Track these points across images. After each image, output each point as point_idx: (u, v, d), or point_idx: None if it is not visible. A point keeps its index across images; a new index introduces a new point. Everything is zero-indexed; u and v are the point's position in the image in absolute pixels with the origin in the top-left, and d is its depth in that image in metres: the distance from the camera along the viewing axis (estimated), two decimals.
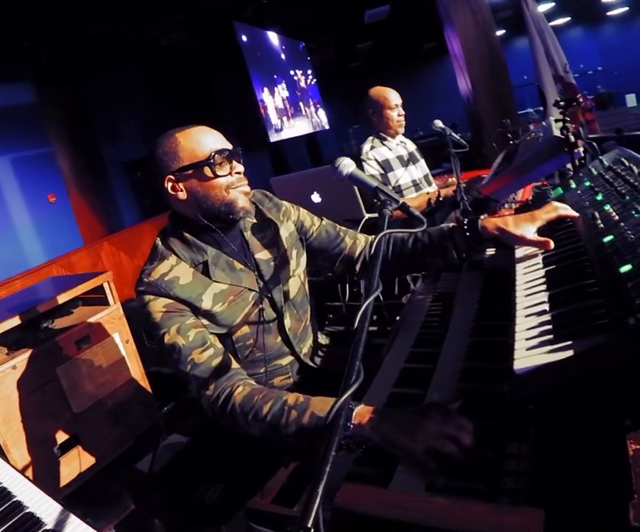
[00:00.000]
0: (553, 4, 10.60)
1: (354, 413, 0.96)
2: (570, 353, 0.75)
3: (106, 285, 2.41)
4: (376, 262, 0.96)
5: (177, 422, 2.74)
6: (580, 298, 0.90)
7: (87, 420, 2.24)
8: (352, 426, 0.94)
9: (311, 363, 1.51)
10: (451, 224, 1.46)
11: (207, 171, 1.24)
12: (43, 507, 1.03)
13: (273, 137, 8.81)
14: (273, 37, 9.86)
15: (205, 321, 1.28)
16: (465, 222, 1.41)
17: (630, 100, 11.63)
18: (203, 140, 1.26)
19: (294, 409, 1.07)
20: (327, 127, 12.20)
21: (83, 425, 2.22)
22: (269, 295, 1.38)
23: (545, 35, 4.43)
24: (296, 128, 10.18)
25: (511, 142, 3.34)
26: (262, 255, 1.39)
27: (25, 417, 2.01)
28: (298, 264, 1.48)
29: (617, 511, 0.58)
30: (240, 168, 1.29)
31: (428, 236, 1.47)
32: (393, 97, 2.98)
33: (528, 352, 0.81)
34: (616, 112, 11.37)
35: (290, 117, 9.93)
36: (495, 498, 0.71)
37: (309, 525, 0.53)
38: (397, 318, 2.77)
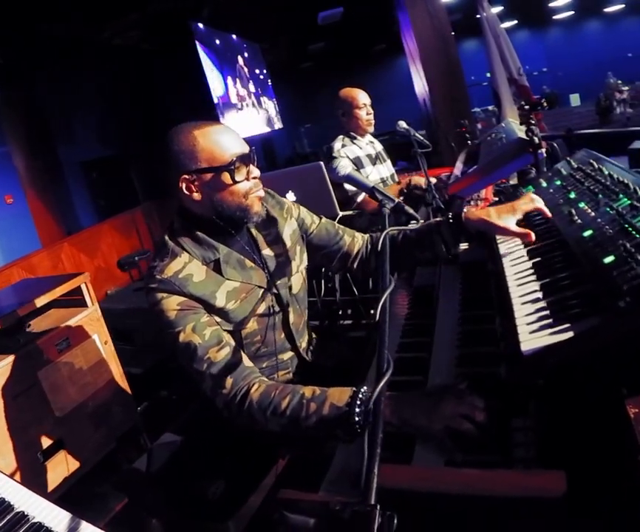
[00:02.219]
0: (502, 7, 11.03)
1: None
2: (570, 334, 0.85)
3: (83, 286, 2.37)
4: (384, 258, 1.03)
5: (155, 421, 2.74)
6: (571, 286, 1.01)
7: (70, 424, 2.21)
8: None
9: (307, 358, 1.55)
10: (437, 219, 1.53)
11: (226, 176, 1.22)
12: (50, 516, 0.99)
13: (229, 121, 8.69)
14: (232, 39, 9.81)
15: (217, 319, 1.28)
16: (450, 216, 1.47)
17: (574, 99, 12.34)
18: (223, 143, 1.23)
19: (312, 402, 1.10)
20: (281, 126, 12.24)
21: (66, 428, 2.19)
22: (276, 292, 1.40)
23: (500, 39, 4.62)
24: (253, 117, 10.15)
25: (469, 142, 3.50)
26: (268, 251, 1.41)
27: (9, 423, 1.96)
28: (302, 260, 1.52)
29: (623, 468, 0.68)
30: (257, 172, 1.28)
31: (416, 233, 1.52)
32: (362, 96, 3.07)
33: (531, 335, 0.91)
34: (561, 111, 12.04)
35: (251, 106, 9.92)
36: (511, 467, 0.80)
37: (372, 502, 0.57)
38: (372, 311, 2.87)
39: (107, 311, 3.24)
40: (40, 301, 2.18)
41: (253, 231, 1.41)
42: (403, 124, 2.97)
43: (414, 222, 1.34)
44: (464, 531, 0.71)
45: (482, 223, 1.39)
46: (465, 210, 1.45)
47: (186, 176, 1.23)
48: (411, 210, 1.30)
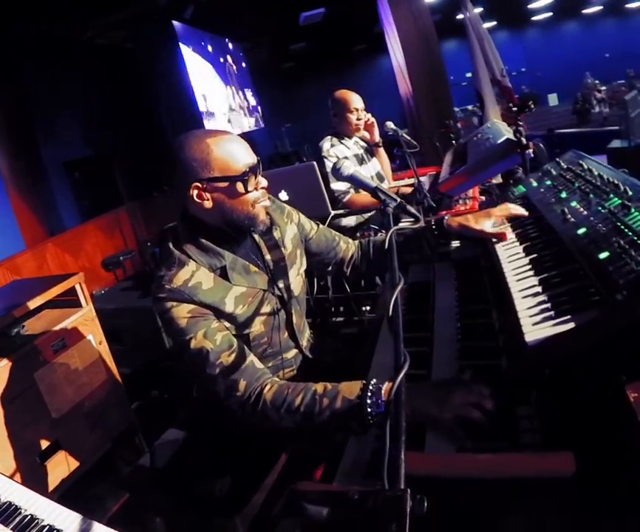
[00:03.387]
0: (481, 8, 11.19)
1: (382, 391, 1.05)
2: (571, 325, 0.91)
3: (77, 287, 2.37)
4: (392, 256, 1.06)
5: (148, 420, 2.74)
6: (568, 281, 1.06)
7: (67, 425, 2.20)
8: (383, 403, 1.03)
9: (309, 355, 1.60)
10: (422, 225, 1.62)
11: (239, 185, 1.25)
12: (60, 518, 1.00)
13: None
14: (215, 38, 9.79)
15: (226, 324, 1.30)
16: (433, 222, 1.62)
17: (552, 99, 12.64)
18: (236, 153, 1.25)
19: (325, 397, 1.13)
20: (263, 125, 12.25)
21: (63, 430, 2.18)
22: (279, 294, 1.44)
23: (484, 40, 4.68)
24: (237, 117, 10.20)
25: (454, 141, 3.57)
26: (271, 256, 1.45)
27: (7, 426, 1.96)
28: (302, 263, 1.56)
29: (625, 449, 0.73)
30: (265, 182, 1.32)
31: (403, 236, 1.66)
32: (355, 100, 3.10)
33: (534, 327, 0.96)
34: (539, 111, 12.28)
35: (235, 105, 9.99)
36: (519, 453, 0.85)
37: (402, 486, 0.60)
38: (364, 308, 2.92)
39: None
40: (35, 302, 2.16)
41: (256, 236, 1.44)
42: (390, 125, 3.02)
43: (411, 220, 1.40)
44: (482, 513, 0.76)
45: (461, 228, 1.58)
46: (446, 217, 1.61)
47: (198, 184, 1.24)
48: (413, 210, 1.34)
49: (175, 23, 7.83)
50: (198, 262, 1.29)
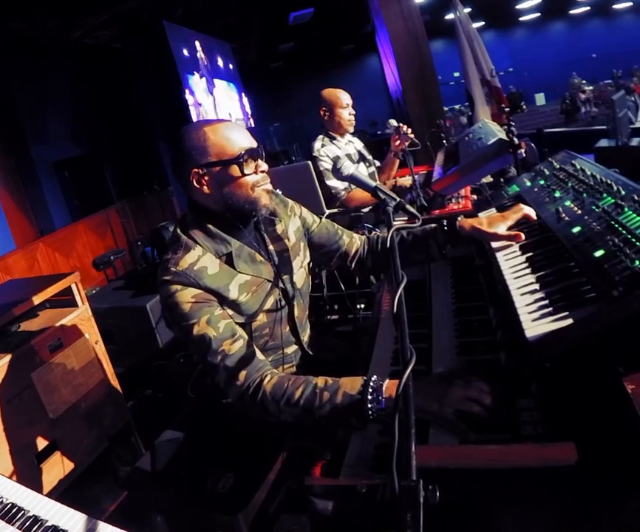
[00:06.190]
0: (469, 9, 11.26)
1: (383, 388, 1.06)
2: (570, 321, 0.94)
3: (74, 286, 2.36)
4: (395, 255, 1.08)
5: (143, 420, 2.75)
6: (565, 278, 1.09)
7: (64, 425, 2.20)
8: (383, 400, 1.04)
9: (309, 352, 1.60)
10: (433, 225, 1.61)
11: (235, 169, 1.27)
12: (65, 518, 0.99)
13: None
14: (204, 37, 9.75)
15: (230, 312, 1.31)
16: (445, 223, 1.57)
17: (539, 98, 12.76)
18: (232, 138, 1.28)
19: (326, 391, 1.13)
20: (253, 125, 12.24)
21: (60, 430, 2.18)
22: (283, 286, 1.45)
23: (473, 41, 4.73)
24: (227, 116, 10.21)
25: (445, 141, 3.60)
26: (275, 247, 1.46)
27: (4, 426, 1.95)
28: (305, 256, 1.57)
29: (624, 439, 0.76)
30: (265, 166, 1.33)
31: (413, 236, 1.62)
32: (344, 97, 3.14)
33: (534, 323, 0.99)
34: (527, 110, 12.44)
35: (224, 105, 10.01)
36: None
37: (414, 478, 0.61)
38: (358, 306, 2.94)
39: None
40: (32, 302, 2.16)
41: (260, 227, 1.45)
42: (393, 122, 3.06)
43: (403, 219, 1.42)
44: (487, 503, 0.78)
45: (474, 230, 1.52)
46: (459, 218, 1.55)
47: (197, 171, 1.28)
48: (412, 209, 1.36)
49: (163, 22, 7.77)
50: (204, 247, 1.31)
